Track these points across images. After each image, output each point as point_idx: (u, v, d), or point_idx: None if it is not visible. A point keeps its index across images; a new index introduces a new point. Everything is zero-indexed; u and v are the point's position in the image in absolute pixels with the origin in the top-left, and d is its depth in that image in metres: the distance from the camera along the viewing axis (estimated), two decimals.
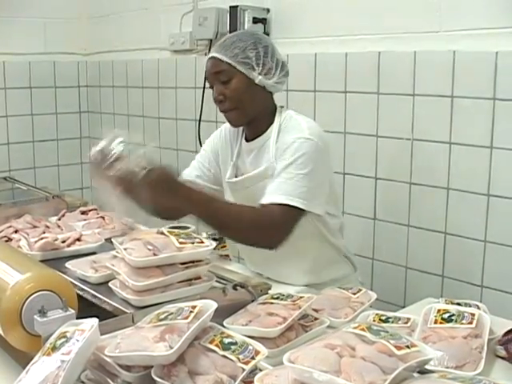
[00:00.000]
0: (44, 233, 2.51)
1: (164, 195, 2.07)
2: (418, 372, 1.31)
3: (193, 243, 1.93)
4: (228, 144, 2.61)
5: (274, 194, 2.24)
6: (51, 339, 1.53)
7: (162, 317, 1.56)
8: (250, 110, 2.42)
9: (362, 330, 1.32)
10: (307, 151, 2.28)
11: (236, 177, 2.54)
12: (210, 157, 2.67)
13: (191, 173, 2.68)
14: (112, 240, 2.01)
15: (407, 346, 1.29)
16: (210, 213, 2.17)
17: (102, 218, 2.95)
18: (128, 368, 1.49)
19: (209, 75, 2.43)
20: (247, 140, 2.52)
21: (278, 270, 2.51)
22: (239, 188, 2.49)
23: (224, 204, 2.32)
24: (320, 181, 2.34)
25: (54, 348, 1.48)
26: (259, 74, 2.36)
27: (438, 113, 2.98)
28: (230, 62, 2.34)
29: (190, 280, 1.94)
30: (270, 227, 2.24)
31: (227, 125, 2.60)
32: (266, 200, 2.25)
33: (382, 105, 3.20)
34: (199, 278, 1.96)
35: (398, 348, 1.27)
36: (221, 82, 2.38)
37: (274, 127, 2.42)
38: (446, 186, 2.99)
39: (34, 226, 2.64)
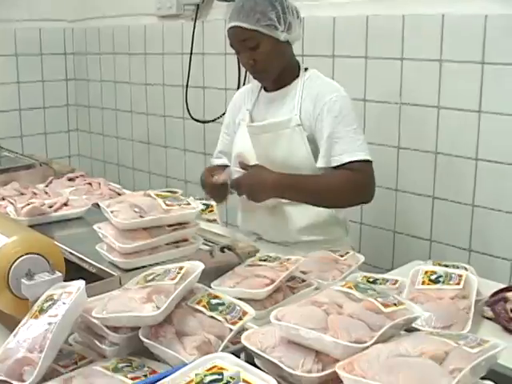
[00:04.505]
0: (31, 199, 2.49)
1: (258, 195, 2.35)
2: (405, 330, 1.31)
3: (180, 205, 1.93)
4: (244, 99, 2.70)
5: (346, 153, 2.36)
6: (38, 302, 1.52)
7: (149, 278, 1.56)
8: (279, 67, 2.49)
9: (350, 288, 1.32)
10: (349, 107, 2.43)
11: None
12: (229, 122, 2.77)
13: (217, 149, 2.84)
14: (99, 203, 2.00)
15: (394, 304, 1.29)
16: (307, 190, 2.37)
17: (90, 184, 2.93)
18: (115, 329, 1.49)
19: (235, 43, 2.47)
20: (267, 90, 2.60)
21: (276, 227, 2.55)
22: (259, 132, 2.53)
23: (315, 177, 2.43)
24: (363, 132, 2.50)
25: (42, 311, 1.48)
26: (282, 31, 2.41)
27: (427, 77, 2.96)
28: (255, 28, 2.37)
29: (177, 242, 1.94)
30: (366, 184, 2.40)
31: (246, 86, 2.78)
32: (341, 161, 2.37)
33: (369, 69, 3.18)
34: (186, 240, 1.96)
35: (386, 306, 1.27)
36: (248, 49, 2.42)
37: (300, 82, 2.51)
38: (434, 150, 2.98)
39: (22, 194, 2.63)
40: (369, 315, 1.23)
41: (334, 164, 2.38)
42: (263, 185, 2.33)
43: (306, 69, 2.56)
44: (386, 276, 2.05)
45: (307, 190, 2.38)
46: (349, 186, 2.36)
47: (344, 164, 2.36)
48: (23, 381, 1.36)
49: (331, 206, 2.48)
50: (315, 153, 2.43)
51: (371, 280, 1.95)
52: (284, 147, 2.46)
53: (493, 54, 2.73)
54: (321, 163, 2.40)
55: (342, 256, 2.18)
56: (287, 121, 2.46)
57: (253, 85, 2.70)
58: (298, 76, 2.53)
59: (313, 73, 2.54)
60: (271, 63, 2.45)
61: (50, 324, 1.42)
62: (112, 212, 1.88)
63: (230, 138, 2.72)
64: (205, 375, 1.12)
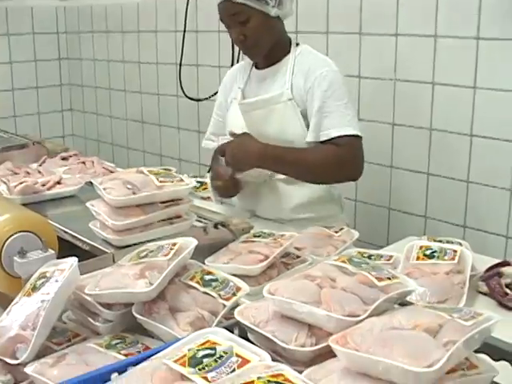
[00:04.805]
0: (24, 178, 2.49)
1: (241, 163, 2.35)
2: (399, 304, 1.31)
3: (172, 182, 1.92)
4: (236, 77, 2.69)
5: (334, 127, 2.35)
6: (31, 280, 1.52)
7: (143, 255, 1.55)
8: (270, 43, 2.47)
9: (343, 262, 1.32)
10: (340, 82, 2.42)
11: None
12: (221, 101, 2.75)
13: (209, 130, 2.82)
14: (91, 181, 1.99)
15: (388, 278, 1.28)
16: (291, 162, 2.36)
17: (83, 163, 2.92)
18: (109, 306, 1.49)
19: (224, 18, 2.44)
20: (258, 68, 2.59)
21: (270, 205, 2.54)
22: (251, 110, 2.52)
23: (301, 150, 2.41)
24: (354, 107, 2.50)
25: (35, 288, 1.47)
26: (273, 6, 2.39)
27: (421, 53, 2.95)
28: (245, 2, 2.35)
29: (171, 219, 1.94)
30: (351, 159, 2.39)
31: (236, 65, 2.79)
32: (329, 135, 2.35)
33: (364, 45, 3.16)
34: (180, 216, 1.95)
35: (379, 279, 1.27)
36: (238, 23, 2.40)
37: (291, 57, 2.49)
38: (429, 126, 2.97)
39: (15, 173, 2.61)
40: (362, 289, 1.23)
41: (323, 138, 2.37)
42: (247, 154, 2.34)
43: (297, 44, 2.54)
44: (380, 252, 2.04)
45: (291, 162, 2.37)
46: (333, 160, 2.35)
47: (331, 139, 2.35)
48: (16, 358, 1.36)
49: (314, 180, 2.47)
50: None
51: (366, 256, 1.94)
52: (277, 123, 2.45)
53: (488, 30, 2.71)
54: (310, 138, 2.39)
55: (336, 232, 2.17)
56: (278, 95, 2.45)
57: (244, 63, 2.70)
58: (289, 52, 2.51)
59: (304, 48, 2.52)
60: (261, 38, 2.43)
61: (42, 301, 1.42)
62: (105, 189, 1.87)
63: (223, 119, 2.71)
64: (197, 350, 1.12)
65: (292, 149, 2.41)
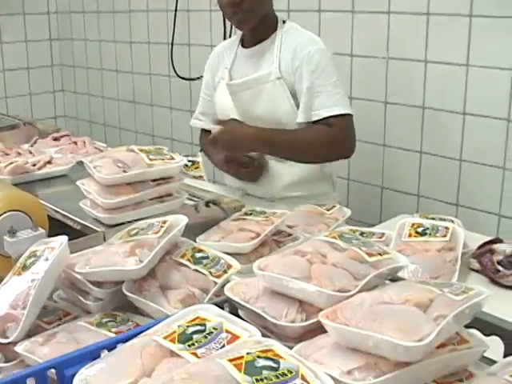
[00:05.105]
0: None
1: (236, 149, 2.38)
2: (390, 280, 1.30)
3: (163, 160, 1.91)
4: (223, 57, 2.67)
5: (324, 107, 2.36)
6: (21, 259, 1.51)
7: (133, 233, 1.54)
8: (262, 12, 2.46)
9: (334, 237, 1.31)
10: (328, 60, 2.42)
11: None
12: (208, 80, 2.74)
13: (198, 110, 2.81)
14: (82, 160, 1.98)
15: (379, 254, 1.28)
16: (284, 144, 2.38)
17: (75, 143, 2.90)
18: (99, 284, 1.48)
19: None
20: (244, 47, 2.58)
21: (262, 183, 2.55)
22: (239, 90, 2.52)
23: (293, 132, 2.42)
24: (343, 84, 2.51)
25: (25, 267, 1.46)
26: None
27: (414, 31, 2.93)
28: None
29: (162, 197, 1.93)
30: (343, 138, 2.41)
31: (222, 42, 2.77)
32: (319, 115, 2.37)
33: (356, 23, 3.14)
34: (171, 194, 1.95)
35: (370, 255, 1.26)
36: None
37: (278, 36, 2.48)
38: (422, 104, 2.96)
39: (6, 154, 2.60)
40: (353, 264, 1.22)
41: (314, 119, 2.38)
42: (240, 139, 2.35)
43: (283, 22, 2.53)
44: (372, 229, 2.04)
45: (284, 144, 2.38)
46: (325, 140, 2.37)
47: (323, 119, 2.36)
48: (7, 337, 1.35)
49: (308, 161, 2.48)
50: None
51: (358, 233, 1.94)
52: (266, 102, 2.44)
53: (480, 7, 2.70)
54: (300, 118, 2.40)
55: (328, 210, 2.17)
56: (267, 74, 2.44)
57: (230, 42, 2.69)
58: (276, 29, 2.50)
59: (291, 25, 2.51)
60: (257, 4, 2.41)
61: (32, 280, 1.41)
62: (95, 167, 1.86)
63: (211, 98, 2.70)
64: (187, 326, 1.11)
65: (284, 131, 2.41)
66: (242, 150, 2.39)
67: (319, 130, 2.38)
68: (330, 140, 2.37)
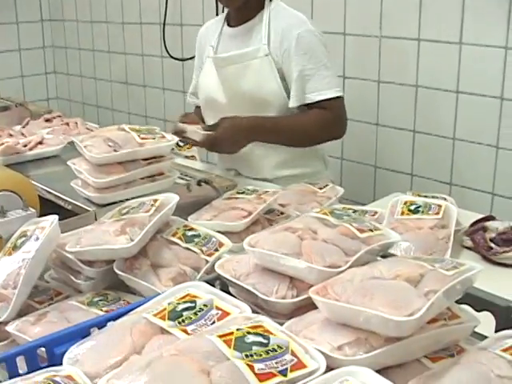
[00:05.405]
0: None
1: (236, 146, 2.33)
2: (382, 257, 1.30)
3: (154, 138, 1.90)
4: (207, 37, 2.64)
5: (316, 91, 2.36)
6: (12, 239, 1.51)
7: (124, 211, 1.54)
8: None
9: (325, 214, 1.31)
10: (317, 41, 2.39)
11: None
12: (198, 62, 2.72)
13: (190, 91, 2.79)
14: (73, 139, 1.97)
15: (370, 230, 1.28)
16: (278, 133, 2.37)
17: (67, 124, 2.89)
18: (90, 263, 1.48)
19: None
20: (230, 26, 2.55)
21: (252, 163, 2.52)
22: (225, 65, 2.49)
23: (286, 119, 2.42)
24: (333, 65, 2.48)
25: (15, 247, 1.46)
26: None
27: (407, 9, 2.91)
28: None
29: (153, 176, 1.92)
30: (335, 121, 2.41)
31: (206, 23, 2.72)
32: (312, 99, 2.36)
33: (349, 1, 3.12)
34: (162, 173, 1.94)
35: (361, 231, 1.26)
36: None
37: (265, 15, 2.44)
38: (415, 83, 2.95)
39: None
40: (344, 240, 1.22)
41: (307, 102, 2.38)
42: (237, 135, 2.31)
43: (270, 0, 2.49)
44: (365, 208, 2.04)
45: (279, 130, 2.38)
46: (320, 123, 2.37)
47: (315, 102, 2.36)
48: None
49: (303, 145, 2.48)
50: (287, 90, 2.40)
51: (351, 211, 1.93)
52: (252, 79, 2.41)
53: None
54: (293, 103, 2.37)
55: (320, 188, 2.16)
56: (255, 50, 2.41)
57: (215, 21, 2.67)
58: (263, 8, 2.46)
59: (278, 4, 2.48)
60: None
61: (23, 260, 1.41)
62: (86, 147, 1.86)
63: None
64: (177, 304, 1.11)
65: (277, 117, 2.40)
66: (241, 144, 2.34)
67: (312, 114, 2.38)
68: (324, 123, 2.38)
